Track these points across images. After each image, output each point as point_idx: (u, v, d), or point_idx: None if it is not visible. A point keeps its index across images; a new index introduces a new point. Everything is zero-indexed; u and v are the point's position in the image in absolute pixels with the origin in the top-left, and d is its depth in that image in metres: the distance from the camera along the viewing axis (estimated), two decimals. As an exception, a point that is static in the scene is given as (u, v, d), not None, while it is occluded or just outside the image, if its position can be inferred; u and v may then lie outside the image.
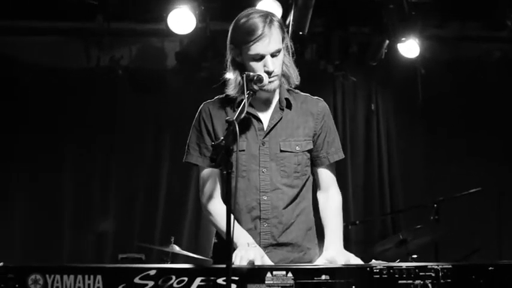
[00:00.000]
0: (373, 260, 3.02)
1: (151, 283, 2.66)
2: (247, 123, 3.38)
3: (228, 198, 2.69)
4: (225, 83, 3.44)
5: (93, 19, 7.26)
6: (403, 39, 7.15)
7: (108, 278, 2.68)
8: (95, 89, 7.69)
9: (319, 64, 7.91)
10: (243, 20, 3.28)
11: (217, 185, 3.45)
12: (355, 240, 7.62)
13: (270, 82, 3.27)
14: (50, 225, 7.56)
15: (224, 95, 3.48)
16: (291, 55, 3.45)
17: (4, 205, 7.53)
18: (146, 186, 7.79)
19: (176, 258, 6.48)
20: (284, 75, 3.43)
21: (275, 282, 2.68)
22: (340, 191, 3.61)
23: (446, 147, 7.94)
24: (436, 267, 2.72)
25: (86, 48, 7.71)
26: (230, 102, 3.45)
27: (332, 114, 3.67)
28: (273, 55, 3.26)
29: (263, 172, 3.39)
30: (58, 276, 2.68)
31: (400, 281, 2.70)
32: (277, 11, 6.49)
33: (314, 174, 3.59)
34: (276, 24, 3.27)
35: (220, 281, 2.66)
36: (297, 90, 3.59)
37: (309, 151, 3.49)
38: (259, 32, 3.20)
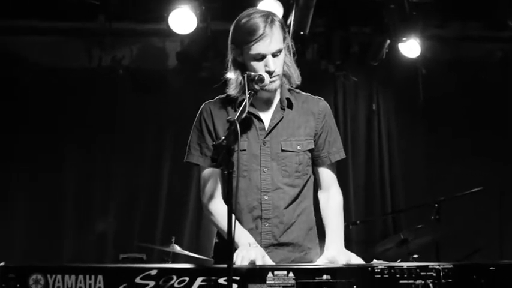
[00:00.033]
0: (374, 260, 3.02)
1: (152, 283, 2.66)
2: (248, 123, 3.38)
3: (229, 198, 2.69)
4: (226, 83, 3.44)
5: (95, 19, 7.28)
6: (404, 39, 7.15)
7: (109, 278, 2.67)
8: (95, 89, 7.70)
9: (320, 64, 7.91)
10: (244, 20, 3.28)
11: (218, 184, 3.45)
12: (356, 240, 7.62)
13: (271, 82, 3.27)
14: (51, 225, 7.57)
15: (225, 94, 3.47)
16: (292, 55, 3.45)
17: (5, 205, 7.54)
18: (147, 186, 7.80)
19: (177, 258, 6.49)
20: (285, 75, 3.43)
21: (276, 282, 2.67)
22: (341, 191, 3.61)
23: (448, 147, 7.94)
24: (437, 267, 2.71)
25: (88, 48, 7.72)
26: (231, 102, 3.45)
27: (333, 114, 3.66)
28: (274, 55, 3.26)
29: (264, 172, 3.39)
30: (59, 276, 2.67)
31: (401, 281, 2.69)
32: (278, 11, 6.49)
33: (315, 174, 3.58)
34: (277, 24, 3.27)
35: (221, 281, 2.66)
36: (298, 90, 3.59)
37: (310, 151, 3.49)
38: (261, 31, 3.20)
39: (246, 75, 3.19)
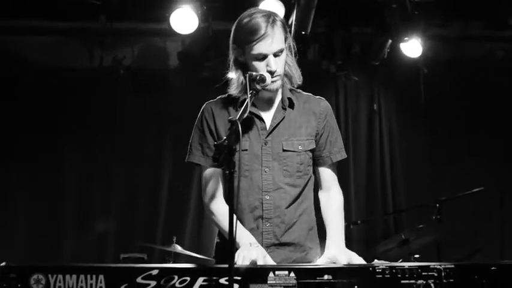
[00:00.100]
0: (376, 260, 3.01)
1: (153, 283, 2.66)
2: (249, 122, 3.38)
3: (230, 197, 2.69)
4: (227, 83, 3.44)
5: (96, 19, 7.27)
6: (405, 38, 7.14)
7: (111, 277, 2.68)
8: (96, 89, 7.70)
9: (322, 64, 7.90)
10: (245, 20, 3.28)
11: (219, 184, 3.46)
12: (357, 240, 7.61)
13: (272, 82, 3.26)
14: (51, 225, 7.58)
15: (226, 94, 3.47)
16: (293, 55, 3.45)
17: (5, 205, 7.54)
18: (148, 186, 7.80)
19: (178, 258, 6.48)
20: (286, 75, 3.43)
21: (277, 282, 2.67)
22: (342, 191, 3.61)
23: (449, 147, 7.94)
24: (439, 267, 2.71)
25: (89, 48, 7.72)
26: (232, 102, 3.45)
27: (334, 114, 3.67)
28: (275, 55, 3.26)
29: (265, 172, 3.39)
30: (60, 276, 2.67)
31: (402, 281, 2.69)
32: (280, 10, 6.49)
33: (316, 174, 3.58)
34: (278, 24, 3.27)
35: (222, 280, 2.66)
36: (299, 90, 3.59)
37: (311, 151, 3.49)
38: (262, 31, 3.20)
39: (247, 75, 3.19)
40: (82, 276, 2.67)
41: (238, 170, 3.23)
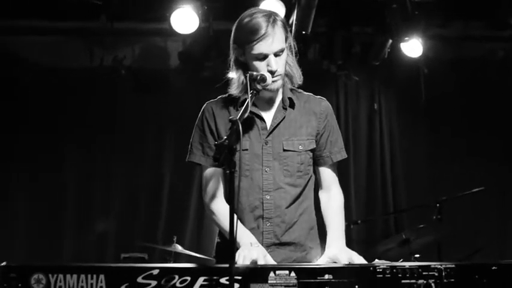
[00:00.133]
0: (376, 260, 3.01)
1: (154, 283, 2.66)
2: (250, 122, 3.38)
3: (231, 197, 2.69)
4: (228, 83, 3.44)
5: (97, 19, 7.26)
6: (406, 38, 7.15)
7: (111, 277, 2.68)
8: (97, 89, 7.71)
9: (322, 64, 7.91)
10: (246, 20, 3.28)
11: (220, 184, 3.46)
12: (357, 239, 7.62)
13: (273, 82, 3.26)
14: (51, 225, 7.58)
15: (227, 94, 3.47)
16: (294, 55, 3.45)
17: (5, 205, 7.55)
18: (149, 185, 7.81)
19: (179, 257, 6.49)
20: (287, 75, 3.43)
21: (278, 281, 2.67)
22: (343, 190, 3.61)
23: (449, 147, 7.94)
24: (439, 266, 2.71)
25: (89, 48, 7.71)
26: (233, 102, 3.45)
27: (335, 113, 3.67)
28: (276, 54, 3.25)
29: (266, 171, 3.39)
30: (61, 276, 2.67)
31: (403, 281, 2.69)
32: (281, 10, 6.49)
33: (316, 174, 3.59)
34: (279, 23, 3.27)
35: (223, 280, 2.66)
36: (300, 90, 3.58)
37: (312, 150, 3.49)
38: (263, 31, 3.20)
39: (248, 74, 3.19)
40: (83, 276, 2.67)
41: (239, 170, 3.24)
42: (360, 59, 7.85)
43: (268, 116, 3.45)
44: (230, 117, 2.91)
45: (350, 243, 3.40)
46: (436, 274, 2.70)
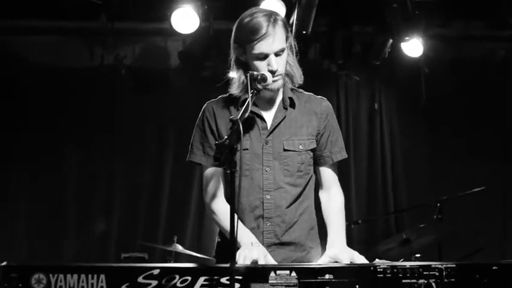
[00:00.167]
0: (377, 259, 3.01)
1: (154, 282, 2.66)
2: (250, 122, 3.38)
3: (231, 197, 2.69)
4: (228, 82, 3.44)
5: (97, 18, 7.26)
6: (406, 38, 7.15)
7: (112, 277, 2.67)
8: (97, 88, 7.70)
9: (323, 63, 7.92)
10: (247, 19, 3.28)
11: (220, 184, 3.46)
12: (358, 239, 7.62)
13: (273, 81, 3.26)
14: (52, 225, 7.58)
15: (228, 94, 3.47)
16: (294, 54, 3.45)
17: (5, 205, 7.54)
18: (149, 185, 7.81)
19: (179, 257, 6.49)
20: (288, 75, 3.42)
21: (279, 281, 2.67)
22: (343, 190, 3.61)
23: (450, 147, 7.94)
24: (440, 266, 2.71)
25: (89, 48, 7.71)
26: (234, 102, 3.44)
27: (335, 113, 3.67)
28: (276, 54, 3.25)
29: (266, 171, 3.39)
30: (61, 276, 2.67)
31: (403, 280, 2.69)
32: (281, 10, 6.49)
33: (316, 173, 3.58)
34: (279, 23, 3.27)
35: (223, 280, 2.66)
36: (300, 90, 3.58)
37: (312, 150, 3.49)
38: (263, 31, 3.20)
39: (248, 74, 3.19)
40: (83, 276, 2.67)
41: (239, 170, 3.24)
42: (361, 58, 7.85)
43: (269, 116, 3.45)
44: (231, 117, 2.91)
45: (351, 243, 3.40)
46: (437, 274, 2.70)
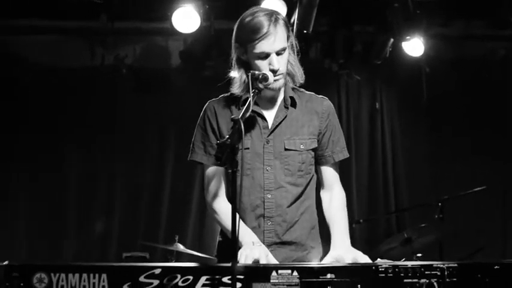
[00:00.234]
0: (379, 259, 3.01)
1: (156, 282, 2.66)
2: (252, 121, 3.38)
3: (233, 196, 2.69)
4: (229, 82, 3.45)
5: (97, 18, 7.26)
6: (407, 37, 7.15)
7: (113, 276, 2.67)
8: (97, 88, 7.70)
9: (324, 63, 7.92)
10: (248, 19, 3.27)
11: (222, 183, 3.46)
12: (359, 239, 7.61)
13: (275, 80, 3.26)
14: (52, 225, 7.58)
15: (229, 93, 3.47)
16: (295, 54, 3.44)
17: (5, 205, 7.54)
18: (150, 185, 7.81)
19: (180, 256, 6.50)
20: (289, 74, 3.42)
21: (280, 281, 2.67)
22: (344, 190, 3.61)
23: (451, 146, 7.94)
24: (442, 266, 2.70)
25: (90, 48, 7.70)
26: (235, 101, 3.44)
27: (336, 112, 3.66)
28: (278, 53, 3.25)
29: (267, 170, 3.39)
30: (63, 275, 2.67)
31: (405, 280, 2.68)
32: (282, 9, 6.48)
33: (318, 173, 3.58)
34: (281, 22, 3.27)
35: (225, 279, 2.65)
36: (302, 89, 3.58)
37: (314, 150, 3.49)
38: (265, 30, 3.20)
39: (250, 73, 3.19)
40: (85, 275, 2.67)
41: (241, 169, 3.24)
42: (362, 58, 7.85)
43: (270, 115, 3.45)
44: (232, 117, 2.91)
45: (352, 243, 3.39)
46: (439, 273, 2.70)
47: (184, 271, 2.68)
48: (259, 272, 2.70)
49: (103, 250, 7.61)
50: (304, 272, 2.69)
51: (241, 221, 3.20)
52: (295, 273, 2.68)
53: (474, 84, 7.99)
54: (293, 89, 3.53)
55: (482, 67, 8.04)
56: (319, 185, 3.61)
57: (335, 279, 2.68)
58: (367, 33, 7.79)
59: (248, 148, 3.38)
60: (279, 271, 2.68)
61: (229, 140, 2.73)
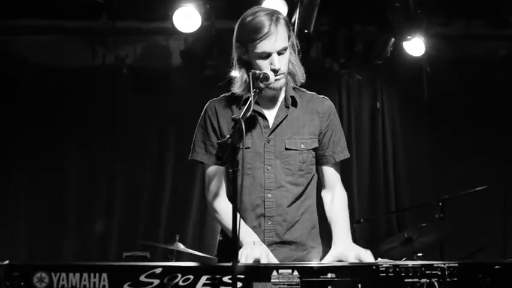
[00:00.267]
0: (379, 259, 3.01)
1: (156, 281, 2.66)
2: (252, 120, 3.38)
3: (234, 196, 2.69)
4: (230, 81, 3.45)
5: (98, 18, 7.26)
6: (408, 37, 7.15)
7: (114, 276, 2.67)
8: (99, 88, 7.70)
9: (325, 62, 7.92)
10: (249, 18, 3.27)
11: (222, 182, 3.45)
12: (360, 238, 7.59)
13: (276, 80, 3.26)
14: (52, 225, 7.58)
15: (230, 93, 3.47)
16: (296, 53, 3.44)
17: (5, 205, 7.54)
18: (150, 184, 7.81)
19: (181, 256, 6.49)
20: (290, 73, 3.42)
21: (281, 280, 2.67)
22: (345, 189, 3.61)
23: (452, 145, 7.94)
24: (442, 265, 2.70)
25: (91, 47, 7.70)
26: (236, 100, 3.45)
27: (337, 112, 3.66)
28: (279, 53, 3.25)
29: (268, 170, 3.39)
30: (64, 274, 2.67)
31: (406, 280, 2.68)
32: (283, 9, 6.48)
33: (319, 173, 3.58)
34: (282, 22, 3.27)
35: (226, 279, 2.65)
36: (303, 89, 3.58)
37: (314, 149, 3.49)
38: (266, 30, 3.20)
39: (251, 73, 3.19)
40: (85, 275, 2.67)
41: (242, 168, 3.23)
42: (363, 57, 7.86)
43: (271, 115, 3.45)
44: (233, 116, 2.91)
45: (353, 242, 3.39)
46: (439, 273, 2.69)
47: (184, 270, 2.67)
48: (260, 271, 2.70)
49: (103, 250, 7.61)
50: (305, 271, 2.69)
51: (241, 221, 3.20)
52: (295, 272, 2.68)
53: (475, 84, 7.99)
54: (294, 88, 3.53)
55: (483, 67, 8.04)
56: (320, 185, 3.61)
57: (336, 279, 2.68)
58: (368, 33, 7.79)
59: (249, 147, 3.38)
60: (280, 271, 2.68)
61: (230, 140, 2.73)
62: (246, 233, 3.24)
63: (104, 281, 2.66)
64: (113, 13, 7.20)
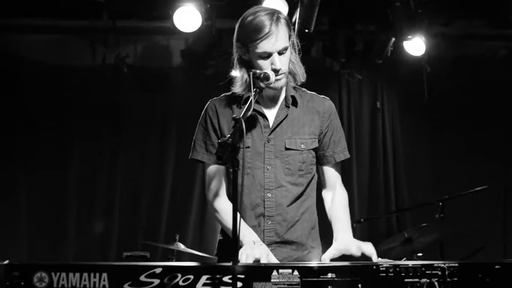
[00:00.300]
0: (379, 258, 3.01)
1: (156, 281, 2.66)
2: (253, 120, 3.38)
3: (234, 195, 2.69)
4: (231, 81, 3.45)
5: (99, 17, 7.26)
6: (409, 37, 7.14)
7: (114, 275, 2.67)
8: (99, 87, 7.68)
9: (325, 62, 7.91)
10: (249, 18, 3.27)
11: (223, 182, 3.45)
12: (360, 238, 7.53)
13: (276, 80, 3.26)
14: (54, 223, 7.57)
15: (230, 92, 3.47)
16: (297, 53, 3.44)
17: (8, 203, 7.52)
18: (151, 184, 7.80)
19: (181, 256, 6.50)
20: (290, 73, 3.42)
21: (281, 280, 2.67)
22: (345, 189, 3.60)
23: (452, 145, 7.93)
24: (443, 265, 2.70)
25: (92, 47, 7.70)
26: (236, 100, 3.45)
27: (337, 111, 3.66)
28: (280, 53, 3.25)
29: (268, 169, 3.39)
30: (64, 274, 2.67)
31: (406, 279, 2.69)
32: (284, 8, 6.48)
33: (319, 173, 3.59)
34: (282, 22, 3.26)
35: (226, 279, 2.65)
36: (303, 89, 3.59)
37: (315, 149, 3.49)
38: (266, 30, 3.20)
39: (251, 73, 3.20)
40: (85, 275, 2.67)
41: (242, 168, 3.23)
42: (363, 57, 7.85)
43: (271, 114, 3.45)
44: (234, 116, 2.90)
45: (353, 242, 3.39)
46: (439, 273, 2.70)
47: (184, 270, 2.68)
48: (260, 271, 2.70)
49: (103, 249, 7.61)
50: (305, 271, 2.69)
51: (242, 220, 3.20)
52: (296, 272, 2.68)
53: (475, 84, 7.98)
54: (294, 88, 3.53)
55: (483, 66, 8.03)
56: (321, 185, 3.61)
57: (336, 279, 2.68)
58: (368, 33, 7.79)
59: (249, 147, 3.38)
60: (280, 270, 2.68)
61: (230, 139, 2.74)
62: (246, 233, 3.24)
63: (104, 280, 2.67)
64: (113, 12, 7.20)
